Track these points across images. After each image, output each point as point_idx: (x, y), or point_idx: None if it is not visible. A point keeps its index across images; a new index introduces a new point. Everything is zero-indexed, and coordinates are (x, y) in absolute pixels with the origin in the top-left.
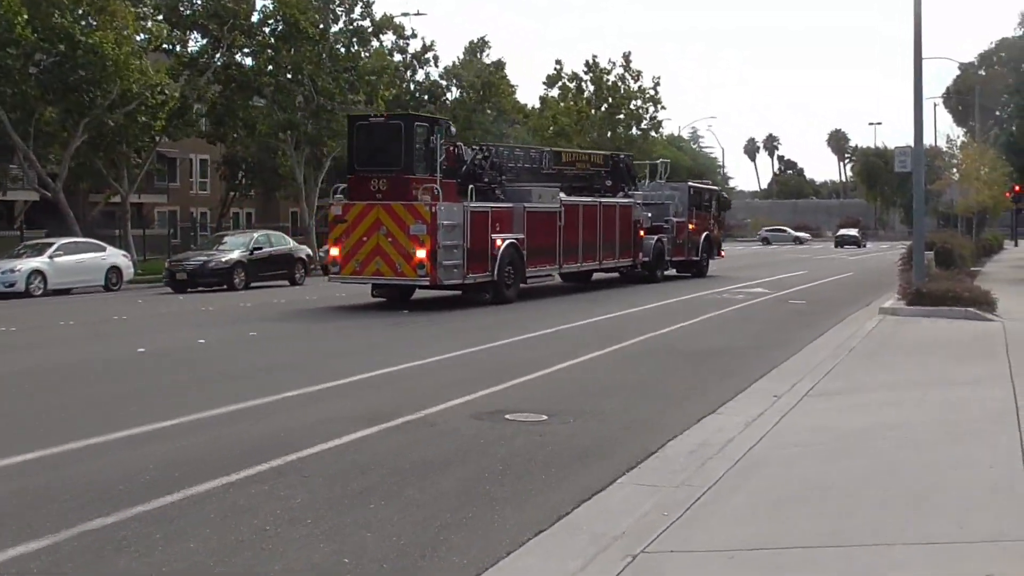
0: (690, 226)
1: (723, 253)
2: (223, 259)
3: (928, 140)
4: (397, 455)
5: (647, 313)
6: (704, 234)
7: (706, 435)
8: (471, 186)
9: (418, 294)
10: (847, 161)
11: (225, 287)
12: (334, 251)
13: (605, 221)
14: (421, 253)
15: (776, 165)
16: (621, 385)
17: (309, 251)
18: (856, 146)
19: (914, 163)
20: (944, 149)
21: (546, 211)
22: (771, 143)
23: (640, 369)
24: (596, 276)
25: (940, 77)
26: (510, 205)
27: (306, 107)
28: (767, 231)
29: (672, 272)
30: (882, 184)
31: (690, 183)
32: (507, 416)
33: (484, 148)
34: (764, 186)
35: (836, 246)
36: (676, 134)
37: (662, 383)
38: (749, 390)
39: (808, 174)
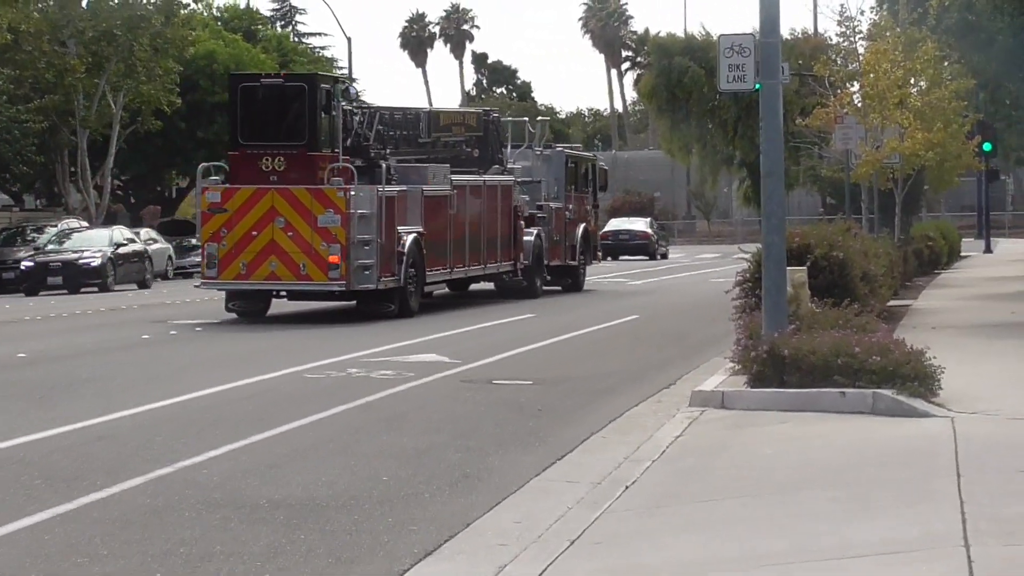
0: (567, 214)
1: (599, 254)
2: None
3: (797, 20)
4: None
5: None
6: (581, 226)
7: None
8: (380, 164)
9: (277, 307)
10: (626, 67)
11: None
12: (211, 249)
13: (488, 208)
14: (335, 250)
15: (473, 76)
16: None
17: None
18: (644, 33)
19: (763, 70)
20: (834, 39)
21: (441, 196)
22: (458, 27)
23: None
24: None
25: None
26: (406, 188)
27: None
28: None
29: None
30: (699, 118)
31: (565, 150)
32: None
33: (365, 111)
34: None
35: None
36: (245, 5)
37: None
38: None
39: (543, 96)
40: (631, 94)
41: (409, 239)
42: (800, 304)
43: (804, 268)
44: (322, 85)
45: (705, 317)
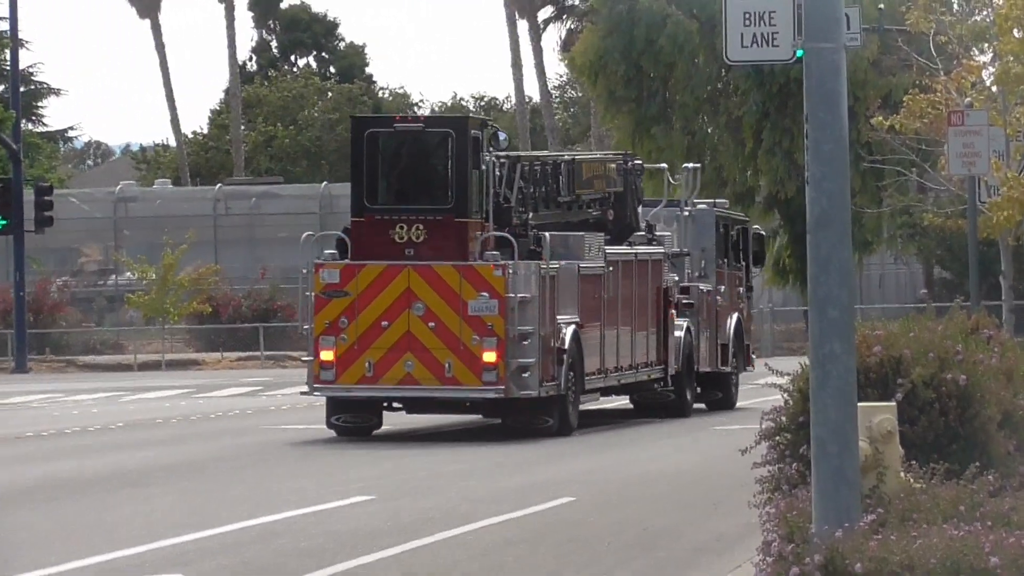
0: (719, 299)
1: (754, 358)
2: None
3: None
4: None
5: None
6: (734, 317)
7: None
8: (529, 232)
9: (396, 421)
10: (548, 15)
11: None
12: (326, 347)
13: (639, 291)
14: (491, 345)
15: (253, 34)
16: None
17: None
18: None
19: (808, 24)
20: None
21: (595, 275)
22: None
23: None
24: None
25: None
26: (559, 264)
27: None
28: None
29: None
30: (687, 115)
31: (714, 209)
32: None
33: (504, 163)
34: (196, 128)
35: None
36: None
37: None
38: None
39: (386, 74)
40: (557, 69)
41: (568, 332)
42: (885, 473)
43: (892, 405)
44: (472, 132)
45: (702, 499)
